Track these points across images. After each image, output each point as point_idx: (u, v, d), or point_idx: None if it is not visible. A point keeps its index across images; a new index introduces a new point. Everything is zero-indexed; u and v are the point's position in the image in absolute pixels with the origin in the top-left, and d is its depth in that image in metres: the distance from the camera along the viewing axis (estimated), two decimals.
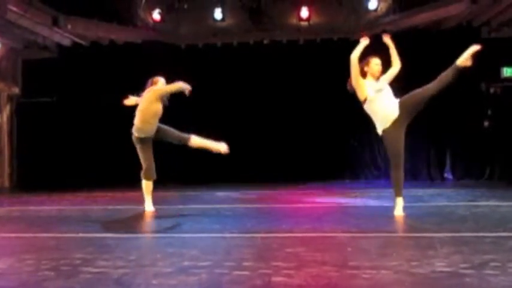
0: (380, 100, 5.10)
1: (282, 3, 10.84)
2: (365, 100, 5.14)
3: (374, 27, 10.59)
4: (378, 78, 5.19)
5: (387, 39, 5.21)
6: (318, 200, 7.21)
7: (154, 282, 2.81)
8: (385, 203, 6.56)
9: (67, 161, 11.17)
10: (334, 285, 2.75)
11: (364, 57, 5.23)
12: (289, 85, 10.85)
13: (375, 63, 5.18)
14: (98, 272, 3.04)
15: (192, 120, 11.15)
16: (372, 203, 6.59)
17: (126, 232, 4.64)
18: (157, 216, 5.59)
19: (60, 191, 9.28)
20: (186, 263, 3.23)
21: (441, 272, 2.92)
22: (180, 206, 6.79)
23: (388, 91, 5.18)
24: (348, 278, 2.84)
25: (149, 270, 3.08)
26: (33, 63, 11.43)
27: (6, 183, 11.29)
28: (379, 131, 5.18)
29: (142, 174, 5.92)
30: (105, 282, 2.82)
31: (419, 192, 7.98)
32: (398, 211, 5.18)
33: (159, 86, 5.93)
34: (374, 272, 2.94)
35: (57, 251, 3.74)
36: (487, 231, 4.24)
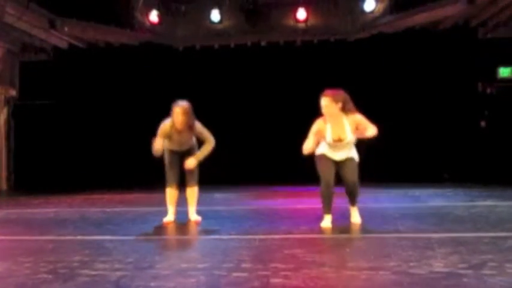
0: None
1: (279, 4, 10.86)
2: None
3: (371, 28, 10.61)
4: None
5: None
6: (316, 201, 7.20)
7: (152, 284, 2.80)
8: (383, 204, 6.57)
9: (64, 164, 11.15)
10: (332, 286, 2.75)
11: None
12: (287, 86, 10.86)
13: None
14: (95, 275, 3.04)
15: None
16: (370, 204, 6.59)
17: (124, 234, 4.63)
18: (155, 218, 5.58)
19: (58, 194, 9.26)
20: (184, 265, 3.23)
21: (439, 272, 2.92)
22: (178, 208, 6.78)
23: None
24: (346, 279, 2.84)
25: (147, 273, 3.07)
26: (30, 65, 11.42)
27: (4, 186, 11.26)
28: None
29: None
30: (103, 285, 2.82)
31: (417, 192, 8.00)
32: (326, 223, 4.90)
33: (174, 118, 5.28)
34: (372, 273, 2.94)
35: (55, 254, 3.73)
36: (484, 232, 4.25)
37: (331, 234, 4.51)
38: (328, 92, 4.88)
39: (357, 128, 4.81)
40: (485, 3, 9.21)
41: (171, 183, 5.44)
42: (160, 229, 5.07)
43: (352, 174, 4.89)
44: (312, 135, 4.87)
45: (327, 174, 4.86)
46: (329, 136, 4.83)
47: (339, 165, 4.94)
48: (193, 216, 5.49)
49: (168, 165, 5.45)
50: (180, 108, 5.17)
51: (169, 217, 5.44)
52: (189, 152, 5.43)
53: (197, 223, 5.31)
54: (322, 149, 4.95)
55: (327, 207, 4.90)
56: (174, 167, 5.43)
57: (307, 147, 4.82)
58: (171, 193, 5.46)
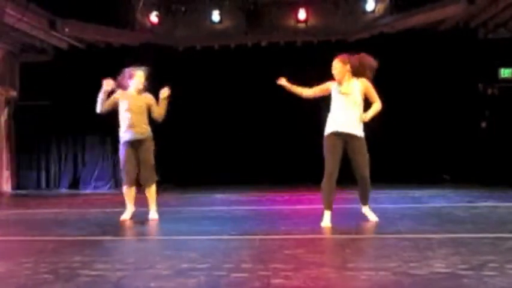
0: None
1: (279, 5, 10.86)
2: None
3: (371, 28, 10.61)
4: (339, 81, 5.00)
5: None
6: (317, 201, 7.20)
7: (152, 284, 2.80)
8: (384, 205, 6.56)
9: (64, 164, 11.16)
10: (332, 287, 2.75)
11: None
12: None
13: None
14: (96, 275, 3.04)
15: (190, 122, 11.18)
16: (371, 204, 6.58)
17: (124, 235, 4.63)
18: (156, 218, 5.59)
19: (58, 194, 9.26)
20: (184, 266, 3.23)
21: (440, 273, 2.92)
22: (179, 208, 6.78)
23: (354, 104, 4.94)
24: (346, 280, 2.84)
25: (148, 273, 3.07)
26: (30, 66, 11.43)
27: (5, 187, 11.27)
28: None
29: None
30: (103, 285, 2.82)
31: (417, 193, 8.00)
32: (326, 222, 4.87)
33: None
34: (372, 273, 2.94)
35: (56, 254, 3.73)
36: (485, 232, 4.24)
37: (331, 235, 4.51)
38: (338, 55, 5.06)
39: (365, 94, 4.94)
40: (485, 3, 9.22)
41: (130, 183, 5.57)
42: (160, 229, 5.06)
43: (364, 169, 4.92)
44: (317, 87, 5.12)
45: (331, 164, 4.87)
46: (336, 88, 4.96)
47: (348, 149, 4.91)
48: (154, 215, 5.62)
49: (125, 164, 5.56)
50: (144, 71, 5.85)
51: (127, 215, 5.59)
52: (144, 145, 5.56)
53: (155, 222, 5.41)
54: (330, 125, 4.96)
55: (328, 202, 4.89)
56: (131, 165, 5.56)
57: (305, 91, 5.17)
58: (131, 192, 5.61)
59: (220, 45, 11.37)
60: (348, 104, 4.89)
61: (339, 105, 4.93)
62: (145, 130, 5.62)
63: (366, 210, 5.17)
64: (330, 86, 5.05)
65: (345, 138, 4.90)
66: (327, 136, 4.96)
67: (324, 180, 4.90)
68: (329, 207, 4.90)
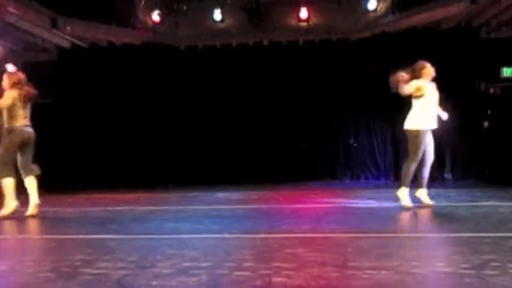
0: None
1: (281, 4, 10.86)
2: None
3: (373, 27, 10.60)
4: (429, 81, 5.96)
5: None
6: (318, 200, 7.20)
7: (154, 283, 2.81)
8: (385, 203, 6.56)
9: (66, 163, 11.16)
10: (334, 285, 2.74)
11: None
12: (289, 86, 10.86)
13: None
14: (98, 274, 3.04)
15: (192, 121, 11.18)
16: (372, 203, 6.59)
17: (126, 233, 4.64)
18: (158, 217, 5.59)
19: (60, 193, 9.27)
20: (186, 264, 3.23)
21: (441, 272, 2.92)
22: (180, 207, 6.78)
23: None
24: (348, 279, 2.84)
25: (149, 272, 3.08)
26: (32, 65, 11.41)
27: None
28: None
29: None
30: (105, 284, 2.82)
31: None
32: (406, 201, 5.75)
33: None
34: (374, 272, 2.93)
35: (57, 253, 3.74)
36: (487, 232, 4.24)
37: (332, 234, 4.50)
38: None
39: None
40: (488, 2, 9.20)
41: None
42: (162, 228, 5.07)
43: (433, 154, 5.85)
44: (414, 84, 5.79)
45: (420, 153, 5.71)
46: (428, 86, 5.82)
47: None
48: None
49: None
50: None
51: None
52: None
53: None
54: (424, 121, 5.79)
55: (408, 181, 5.75)
56: None
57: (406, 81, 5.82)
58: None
59: (221, 44, 11.38)
60: (434, 101, 5.91)
61: (429, 102, 5.83)
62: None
63: (423, 193, 5.87)
64: (423, 85, 5.78)
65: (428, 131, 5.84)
66: (421, 131, 5.76)
67: (412, 163, 5.73)
68: (408, 186, 5.74)
